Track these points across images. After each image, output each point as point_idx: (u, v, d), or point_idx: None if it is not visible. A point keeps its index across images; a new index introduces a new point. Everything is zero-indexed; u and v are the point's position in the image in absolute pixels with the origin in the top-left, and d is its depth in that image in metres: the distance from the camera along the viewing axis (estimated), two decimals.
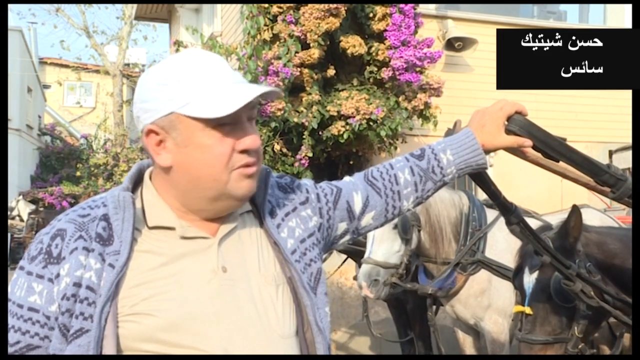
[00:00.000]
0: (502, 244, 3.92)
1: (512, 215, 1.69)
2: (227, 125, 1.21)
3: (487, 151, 1.48)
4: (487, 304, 3.91)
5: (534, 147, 1.47)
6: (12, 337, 1.18)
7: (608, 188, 1.58)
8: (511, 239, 3.87)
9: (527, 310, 2.24)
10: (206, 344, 1.18)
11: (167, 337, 1.17)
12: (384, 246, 3.82)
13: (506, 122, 1.45)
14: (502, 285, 3.88)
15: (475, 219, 3.93)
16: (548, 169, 1.55)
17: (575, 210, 2.22)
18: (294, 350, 1.28)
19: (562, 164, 1.52)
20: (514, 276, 2.42)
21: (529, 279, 2.29)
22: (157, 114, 1.22)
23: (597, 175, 1.56)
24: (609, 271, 2.18)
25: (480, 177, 1.58)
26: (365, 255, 3.87)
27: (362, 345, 6.36)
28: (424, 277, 4.08)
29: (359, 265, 4.68)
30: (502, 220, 3.93)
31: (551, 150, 1.47)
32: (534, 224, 2.12)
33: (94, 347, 1.14)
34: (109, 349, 1.15)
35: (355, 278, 4.89)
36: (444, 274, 3.88)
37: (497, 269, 3.84)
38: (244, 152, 1.23)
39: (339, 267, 5.20)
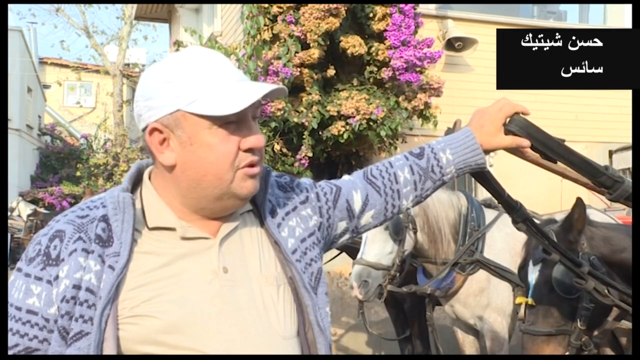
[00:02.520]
0: (501, 244, 3.93)
1: (517, 213, 1.68)
2: (233, 123, 1.20)
3: (486, 151, 1.48)
4: (486, 302, 3.91)
5: (533, 148, 1.47)
6: (10, 340, 1.17)
7: (605, 189, 1.59)
8: (509, 239, 3.92)
9: (530, 301, 2.24)
10: (207, 346, 1.18)
11: (168, 339, 1.16)
12: (376, 247, 3.84)
13: (506, 122, 1.45)
14: (501, 284, 3.88)
15: (474, 219, 3.94)
16: (548, 168, 1.56)
17: (579, 203, 2.21)
18: (295, 351, 1.27)
19: (560, 164, 1.52)
20: (520, 269, 2.42)
21: (533, 271, 2.30)
22: (161, 111, 1.21)
23: (594, 176, 1.56)
24: (615, 266, 2.18)
25: (482, 176, 1.57)
26: (358, 256, 3.89)
27: (361, 345, 6.36)
28: (423, 277, 4.09)
29: None
30: (500, 220, 3.98)
31: (550, 151, 1.48)
32: None
33: (94, 349, 1.13)
34: (109, 352, 1.14)
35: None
36: (442, 274, 3.89)
37: (495, 269, 3.85)
38: (248, 150, 1.22)
39: (328, 261, 5.21)
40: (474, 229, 3.91)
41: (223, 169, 1.21)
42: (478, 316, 3.94)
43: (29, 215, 12.30)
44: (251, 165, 1.23)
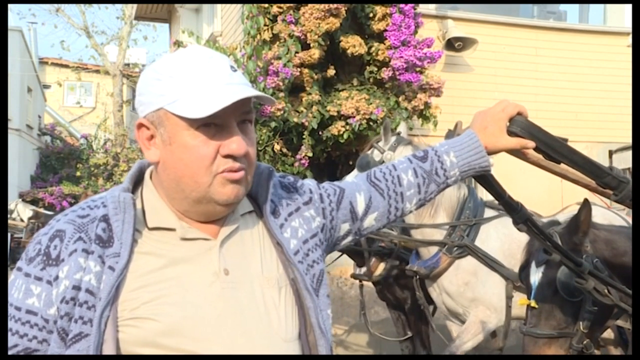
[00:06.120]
0: (495, 242, 3.92)
1: (518, 214, 1.66)
2: (213, 127, 1.18)
3: (490, 153, 1.47)
4: (471, 296, 3.89)
5: (536, 149, 1.46)
6: (10, 340, 1.16)
7: (610, 190, 1.57)
8: (506, 239, 3.91)
9: (532, 303, 2.22)
10: (208, 349, 1.17)
11: (168, 341, 1.15)
12: None
13: (508, 123, 1.44)
14: (489, 279, 3.85)
15: (470, 208, 3.93)
16: (549, 170, 1.54)
17: (586, 204, 2.19)
18: (296, 354, 1.26)
19: (563, 165, 1.50)
20: (521, 270, 2.40)
21: (536, 273, 2.28)
22: (148, 108, 1.21)
23: (599, 177, 1.54)
24: (617, 269, 2.15)
25: (484, 178, 1.56)
26: None
27: (362, 345, 6.36)
28: (415, 260, 4.09)
29: (358, 264, 4.70)
30: (499, 220, 3.96)
31: (553, 151, 1.46)
32: None
33: (93, 351, 1.12)
34: (108, 354, 1.13)
35: (353, 276, 4.90)
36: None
37: (483, 257, 3.83)
38: (228, 156, 1.20)
39: (330, 263, 5.21)
40: (468, 217, 3.90)
41: (199, 172, 1.19)
42: (465, 307, 3.93)
43: (30, 218, 12.30)
44: (231, 170, 1.21)
